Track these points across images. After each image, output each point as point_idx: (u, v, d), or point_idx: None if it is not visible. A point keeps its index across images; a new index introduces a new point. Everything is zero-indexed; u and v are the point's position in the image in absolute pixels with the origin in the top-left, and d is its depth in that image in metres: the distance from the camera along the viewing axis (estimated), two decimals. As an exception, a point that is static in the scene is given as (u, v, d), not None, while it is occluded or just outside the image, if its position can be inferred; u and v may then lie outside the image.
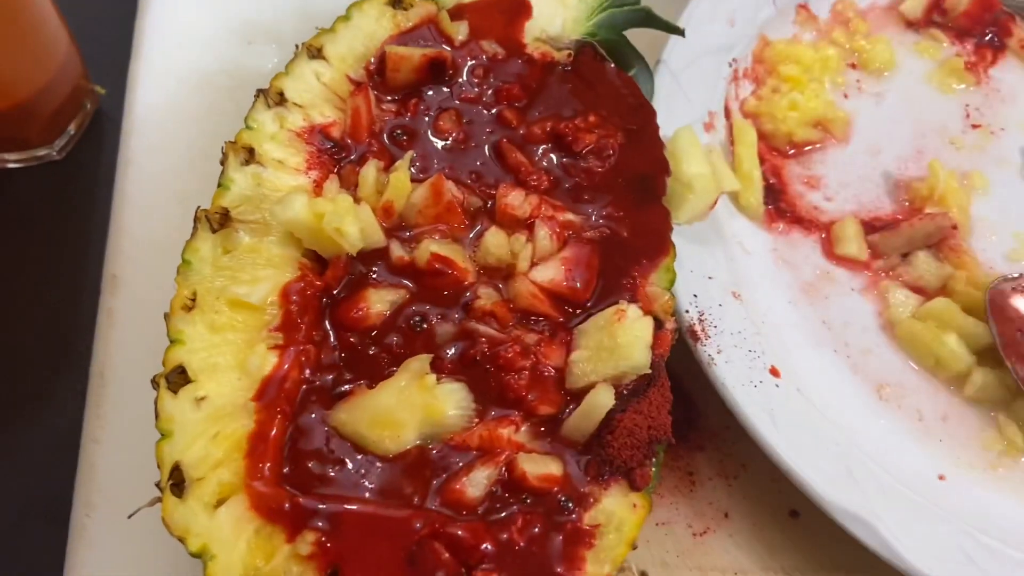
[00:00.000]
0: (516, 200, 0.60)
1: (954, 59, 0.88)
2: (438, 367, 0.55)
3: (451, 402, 0.54)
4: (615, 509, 0.53)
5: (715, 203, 0.71)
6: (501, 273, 0.59)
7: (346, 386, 0.55)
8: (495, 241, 0.59)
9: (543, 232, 0.59)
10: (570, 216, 0.61)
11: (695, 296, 0.69)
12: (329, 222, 0.55)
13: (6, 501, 0.70)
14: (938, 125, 0.85)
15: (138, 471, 0.67)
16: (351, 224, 0.56)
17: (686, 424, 0.71)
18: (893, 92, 0.86)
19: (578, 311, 0.58)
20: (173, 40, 0.89)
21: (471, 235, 0.60)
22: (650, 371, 0.55)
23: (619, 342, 0.55)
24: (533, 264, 0.59)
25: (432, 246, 0.58)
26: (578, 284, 0.58)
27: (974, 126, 0.85)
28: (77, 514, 0.67)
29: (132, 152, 0.82)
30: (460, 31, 0.66)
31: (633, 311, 0.56)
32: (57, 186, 0.84)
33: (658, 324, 0.58)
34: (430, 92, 0.65)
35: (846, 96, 0.86)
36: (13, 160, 0.84)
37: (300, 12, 0.92)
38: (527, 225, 0.60)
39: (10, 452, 0.72)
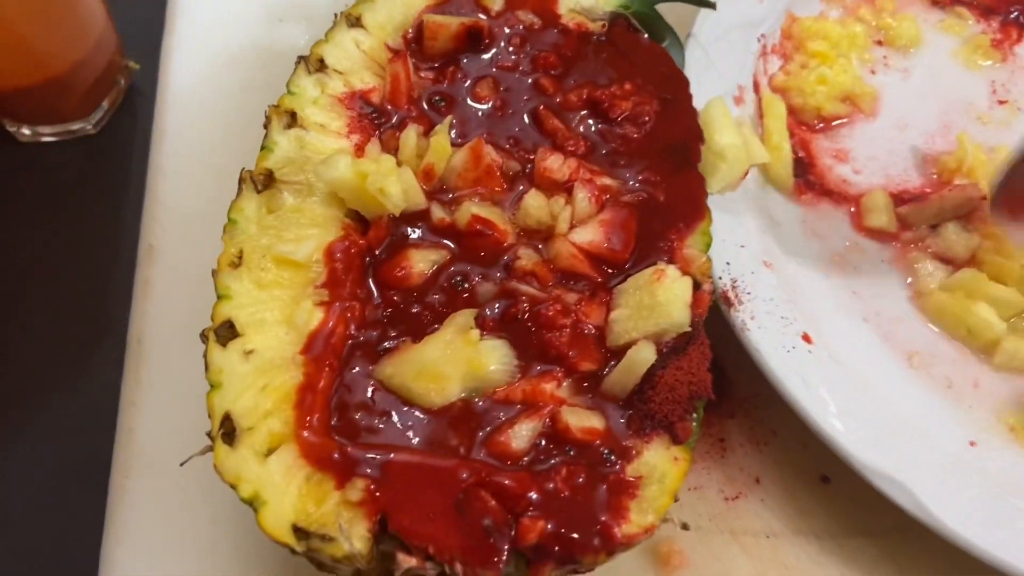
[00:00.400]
0: (555, 163, 0.61)
1: (979, 36, 0.88)
2: (480, 324, 0.56)
3: (494, 358, 0.54)
4: (657, 462, 0.53)
5: (746, 174, 0.72)
6: (540, 235, 0.60)
7: (390, 342, 0.55)
8: (535, 203, 0.60)
9: (582, 194, 0.60)
10: (607, 180, 0.62)
11: (727, 264, 0.69)
12: (372, 182, 0.56)
13: (47, 465, 0.72)
14: (964, 101, 0.85)
15: (175, 433, 0.69)
16: (394, 184, 0.57)
17: (717, 391, 0.71)
18: (919, 68, 0.87)
19: (617, 272, 0.59)
20: (205, 17, 0.90)
21: (510, 198, 0.61)
22: (690, 329, 0.56)
23: (659, 300, 0.55)
24: (572, 226, 0.59)
25: (473, 208, 0.59)
26: (617, 245, 0.59)
27: (1000, 102, 0.85)
28: (116, 477, 0.68)
29: (167, 125, 0.83)
30: (496, 1, 0.67)
31: (672, 271, 0.57)
32: (92, 159, 0.85)
33: (696, 285, 0.58)
34: (467, 60, 0.66)
35: (873, 72, 0.86)
36: (48, 134, 0.85)
37: (330, -10, 0.93)
38: (566, 188, 0.61)
39: (50, 419, 0.74)
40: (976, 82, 0.87)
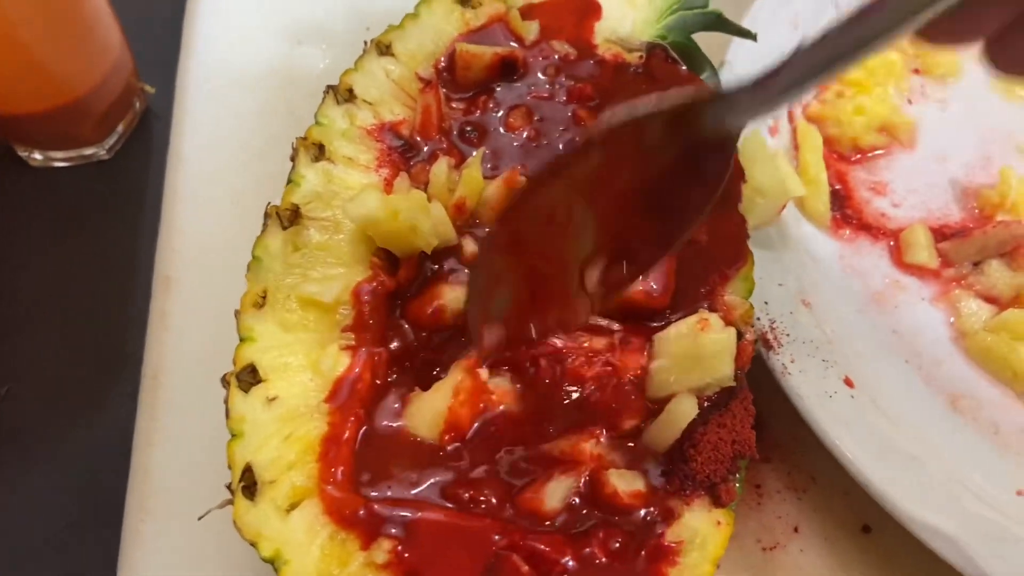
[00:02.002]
0: None
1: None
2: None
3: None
4: (698, 525, 0.51)
5: (783, 208, 0.70)
6: None
7: (417, 388, 0.53)
8: None
9: None
10: None
11: (766, 303, 0.67)
12: (404, 219, 0.54)
13: (59, 504, 0.69)
14: (1004, 132, 0.83)
15: (193, 476, 0.66)
16: (425, 221, 0.54)
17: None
18: (957, 99, 0.85)
19: (656, 318, 0.57)
20: (222, 39, 0.88)
21: None
22: (734, 383, 0.54)
23: (704, 352, 0.53)
24: None
25: None
26: (656, 291, 0.57)
27: (1041, 134, 0.83)
28: (131, 519, 0.65)
29: (183, 151, 0.81)
30: (531, 31, 0.65)
31: (716, 320, 0.54)
32: (106, 185, 0.83)
33: (738, 335, 0.56)
34: (500, 89, 0.64)
35: (910, 101, 0.84)
36: (60, 159, 0.83)
37: (351, 11, 0.91)
38: None
39: (62, 455, 0.71)
40: (1016, 113, 0.84)
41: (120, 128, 0.84)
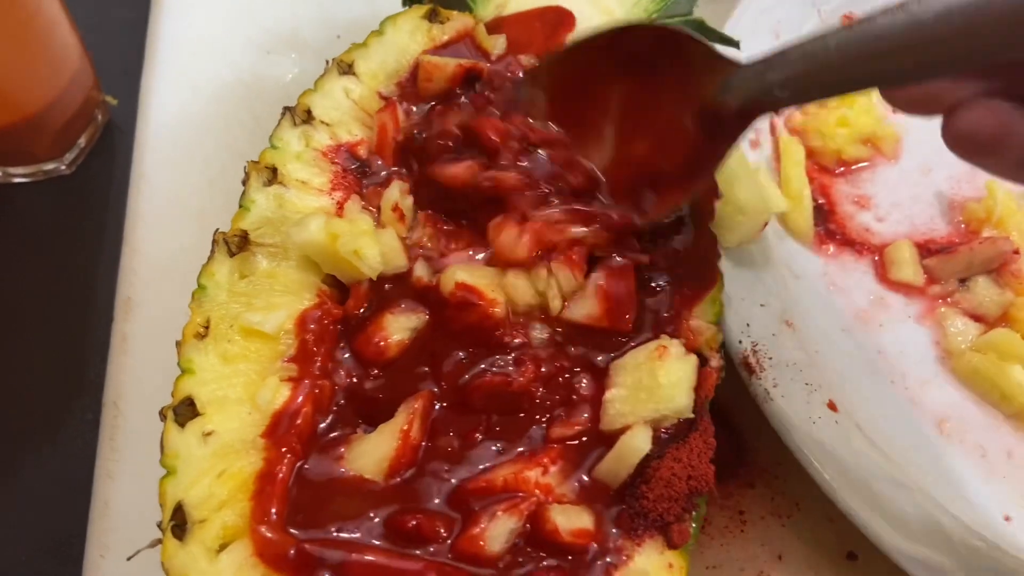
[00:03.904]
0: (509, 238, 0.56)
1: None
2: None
3: None
4: (649, 569, 0.48)
5: (765, 225, 0.68)
6: (535, 316, 0.55)
7: (360, 426, 0.51)
8: (518, 284, 0.54)
9: (564, 274, 0.54)
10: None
11: (747, 325, 0.65)
12: (345, 244, 0.51)
13: (16, 538, 0.66)
14: (990, 142, 0.81)
15: (154, 509, 0.63)
16: (370, 246, 0.52)
17: (736, 460, 0.68)
18: (943, 107, 0.83)
19: (614, 344, 0.54)
20: (188, 48, 0.85)
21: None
22: (692, 415, 0.51)
23: (660, 382, 0.50)
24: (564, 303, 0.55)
25: (459, 273, 0.54)
26: (618, 316, 0.54)
27: (1028, 144, 0.81)
28: (91, 554, 0.63)
29: (146, 166, 0.78)
30: (497, 45, 0.63)
31: (676, 347, 0.52)
32: (66, 202, 0.80)
33: (702, 361, 0.54)
34: (463, 100, 0.61)
35: (894, 111, 0.82)
36: (20, 175, 0.80)
37: (320, 20, 0.88)
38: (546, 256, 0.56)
39: (19, 486, 0.68)
40: (1002, 123, 0.82)
41: (81, 142, 0.81)
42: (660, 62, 0.53)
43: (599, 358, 0.54)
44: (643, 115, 0.56)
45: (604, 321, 0.54)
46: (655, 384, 0.51)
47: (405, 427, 0.50)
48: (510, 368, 0.52)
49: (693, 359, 0.52)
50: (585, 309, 0.54)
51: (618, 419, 0.51)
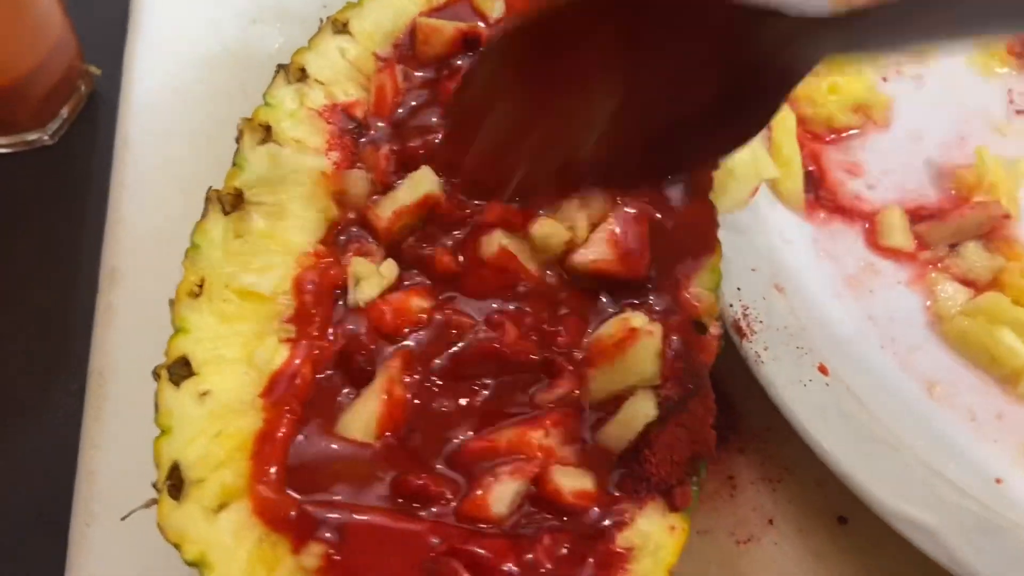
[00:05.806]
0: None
1: (995, 42, 0.84)
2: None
3: None
4: (651, 531, 0.48)
5: (756, 191, 0.67)
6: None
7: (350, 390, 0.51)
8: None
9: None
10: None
11: (739, 289, 0.65)
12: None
13: (2, 507, 0.66)
14: (981, 110, 0.81)
15: (141, 478, 0.62)
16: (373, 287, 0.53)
17: (726, 426, 0.67)
18: (933, 74, 0.82)
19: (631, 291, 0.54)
20: (173, 17, 0.84)
21: None
22: (658, 382, 0.51)
23: (626, 354, 0.51)
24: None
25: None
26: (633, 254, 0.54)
27: (1018, 112, 0.81)
28: (77, 523, 0.62)
29: (130, 136, 0.77)
30: (496, 8, 0.62)
31: (639, 319, 0.52)
32: (49, 172, 0.79)
33: (701, 328, 0.54)
34: (460, 63, 0.60)
35: (885, 79, 0.82)
36: (1, 145, 0.79)
37: (306, -11, 0.87)
38: None
39: (5, 456, 0.68)
40: (992, 90, 0.82)
41: (64, 112, 0.80)
42: (681, 18, 0.46)
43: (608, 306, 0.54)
44: (653, 78, 0.50)
45: (618, 265, 0.54)
46: (622, 356, 0.51)
47: (387, 384, 0.49)
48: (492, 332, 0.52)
49: (658, 327, 0.52)
50: (598, 254, 0.54)
51: (599, 392, 0.52)
